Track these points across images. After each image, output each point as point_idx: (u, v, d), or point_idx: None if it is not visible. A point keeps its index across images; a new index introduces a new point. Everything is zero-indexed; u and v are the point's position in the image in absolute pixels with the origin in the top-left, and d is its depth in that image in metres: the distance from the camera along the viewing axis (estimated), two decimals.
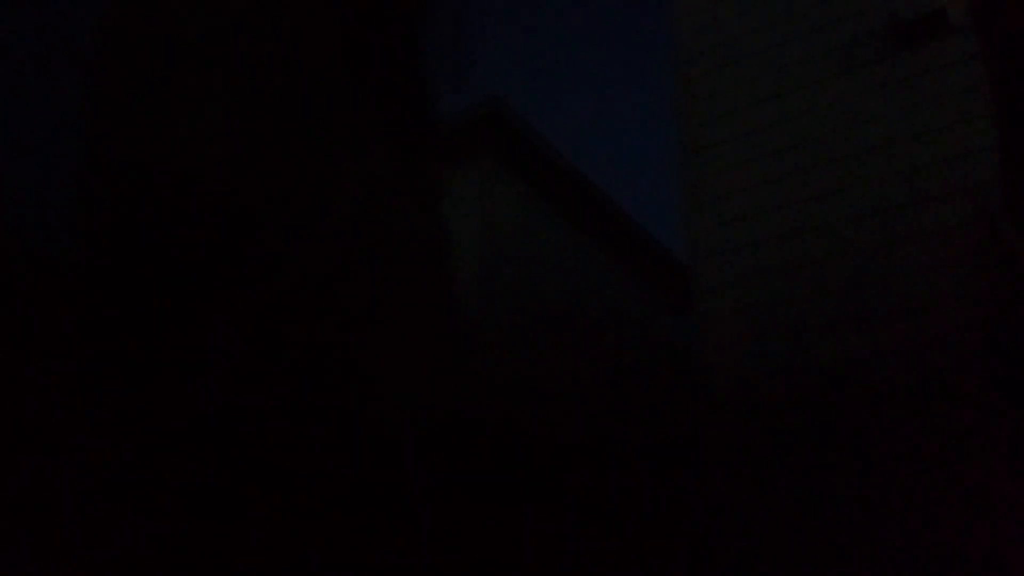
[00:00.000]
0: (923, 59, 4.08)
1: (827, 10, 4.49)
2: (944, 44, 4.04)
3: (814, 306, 4.00)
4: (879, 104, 4.15)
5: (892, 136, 4.07)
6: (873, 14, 4.32)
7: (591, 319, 8.75)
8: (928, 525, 3.40)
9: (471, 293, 7.13)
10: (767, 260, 4.22)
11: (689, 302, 4.51)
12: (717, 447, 4.08)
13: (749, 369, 4.09)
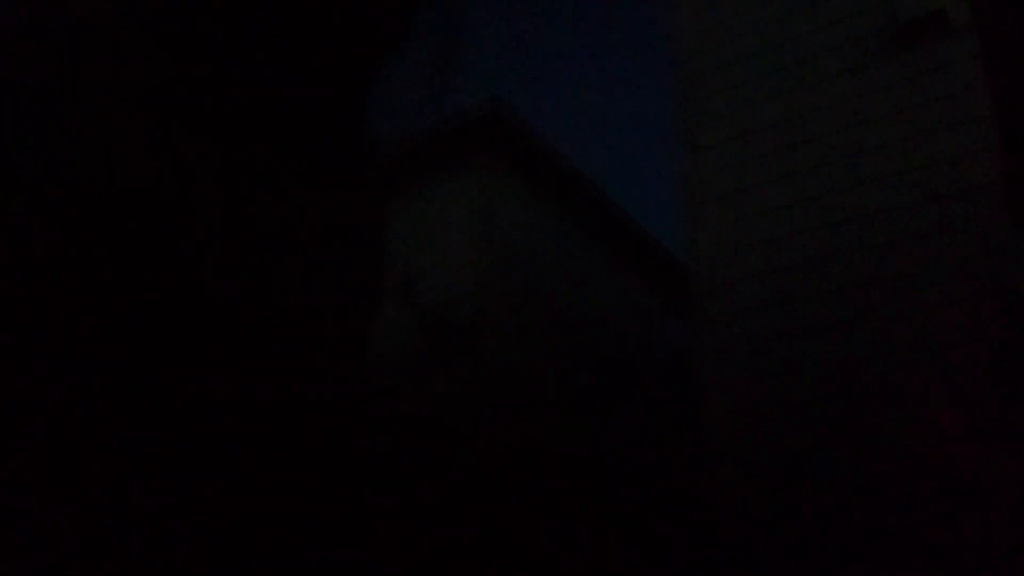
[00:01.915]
0: (923, 59, 4.08)
1: (827, 10, 4.49)
2: (944, 44, 4.04)
3: (815, 306, 3.99)
4: (879, 104, 4.15)
5: (892, 136, 4.06)
6: (873, 14, 4.32)
7: (591, 319, 8.75)
8: (931, 525, 3.40)
9: (471, 293, 7.12)
10: (767, 260, 4.22)
11: (689, 303, 4.51)
12: (719, 448, 4.08)
13: (750, 369, 4.09)
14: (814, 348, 3.93)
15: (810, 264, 4.08)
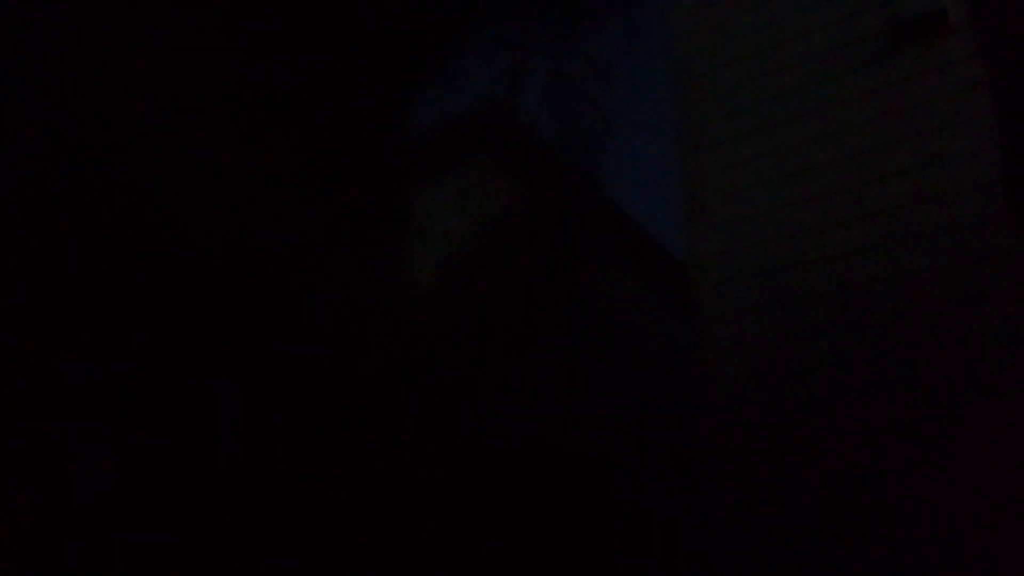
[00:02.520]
0: (923, 59, 4.08)
1: (827, 10, 4.49)
2: (944, 44, 4.04)
3: (815, 307, 4.00)
4: (879, 104, 4.15)
5: (892, 136, 4.07)
6: (873, 14, 4.32)
7: (590, 318, 8.75)
8: (934, 529, 3.40)
9: (469, 291, 7.12)
10: (768, 260, 4.22)
11: (689, 302, 4.51)
12: (719, 448, 4.08)
13: (750, 370, 4.09)
14: (814, 348, 3.93)
15: (811, 264, 4.09)
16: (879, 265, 3.90)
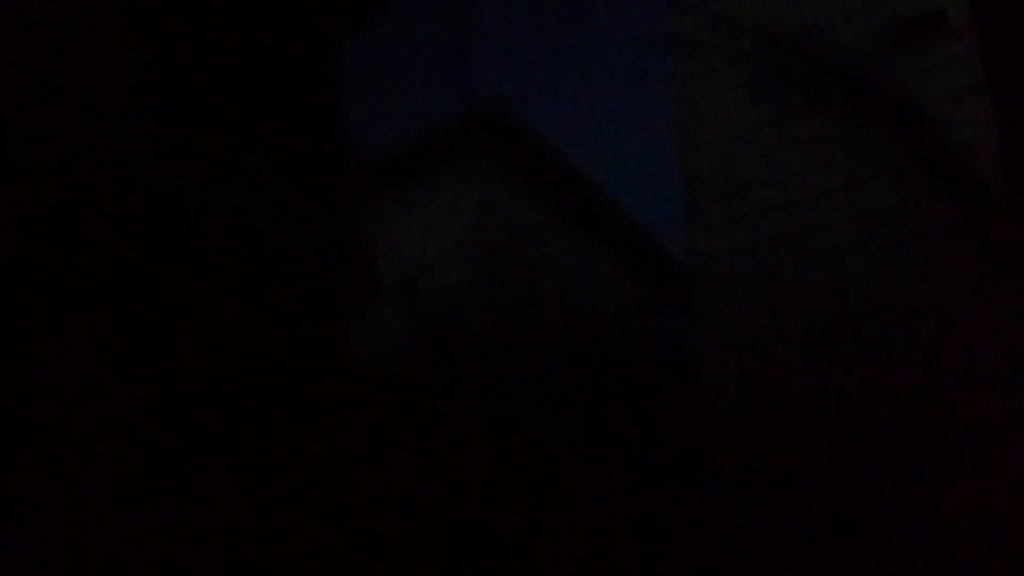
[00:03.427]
0: (923, 59, 4.08)
1: (827, 10, 4.49)
2: (944, 44, 4.04)
3: (815, 307, 3.99)
4: (879, 103, 4.15)
5: (891, 136, 4.06)
6: (873, 14, 4.32)
7: (590, 317, 8.75)
8: (933, 527, 3.40)
9: (470, 290, 7.13)
10: (767, 260, 4.22)
11: (689, 302, 4.51)
12: (717, 447, 4.08)
13: (749, 370, 4.09)
14: (814, 348, 3.93)
15: (810, 264, 4.09)
16: (879, 265, 3.90)
